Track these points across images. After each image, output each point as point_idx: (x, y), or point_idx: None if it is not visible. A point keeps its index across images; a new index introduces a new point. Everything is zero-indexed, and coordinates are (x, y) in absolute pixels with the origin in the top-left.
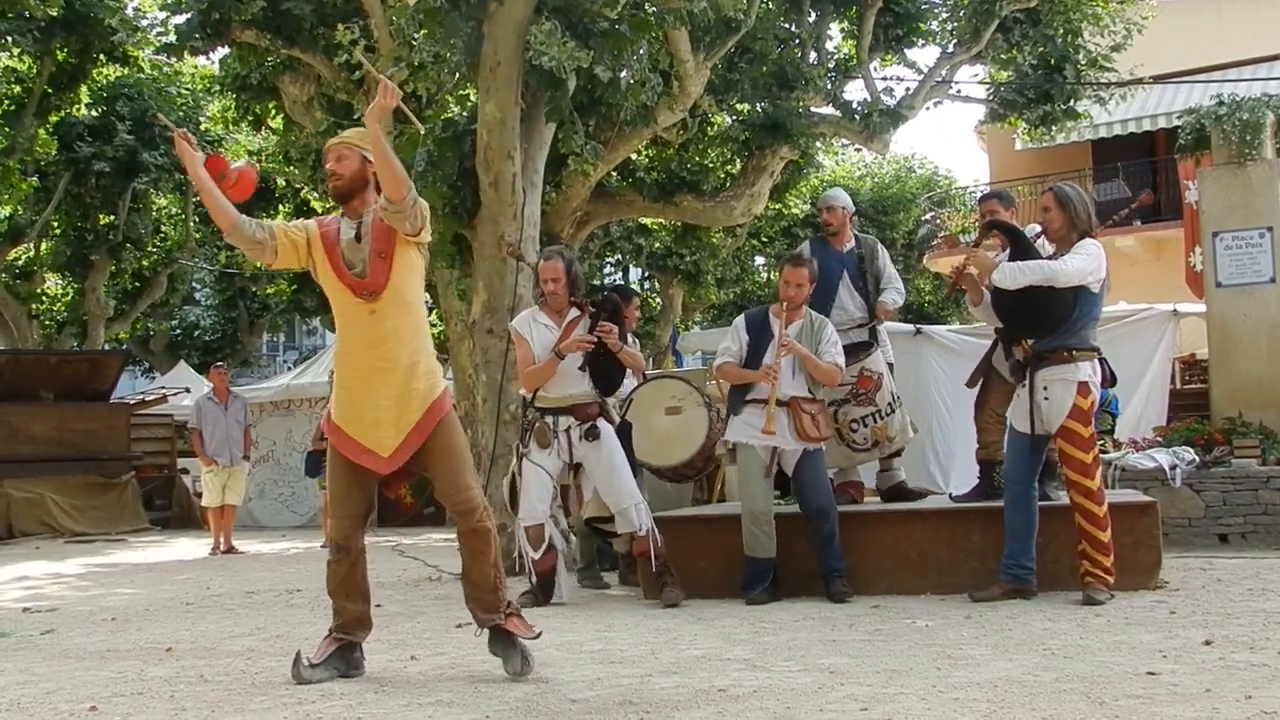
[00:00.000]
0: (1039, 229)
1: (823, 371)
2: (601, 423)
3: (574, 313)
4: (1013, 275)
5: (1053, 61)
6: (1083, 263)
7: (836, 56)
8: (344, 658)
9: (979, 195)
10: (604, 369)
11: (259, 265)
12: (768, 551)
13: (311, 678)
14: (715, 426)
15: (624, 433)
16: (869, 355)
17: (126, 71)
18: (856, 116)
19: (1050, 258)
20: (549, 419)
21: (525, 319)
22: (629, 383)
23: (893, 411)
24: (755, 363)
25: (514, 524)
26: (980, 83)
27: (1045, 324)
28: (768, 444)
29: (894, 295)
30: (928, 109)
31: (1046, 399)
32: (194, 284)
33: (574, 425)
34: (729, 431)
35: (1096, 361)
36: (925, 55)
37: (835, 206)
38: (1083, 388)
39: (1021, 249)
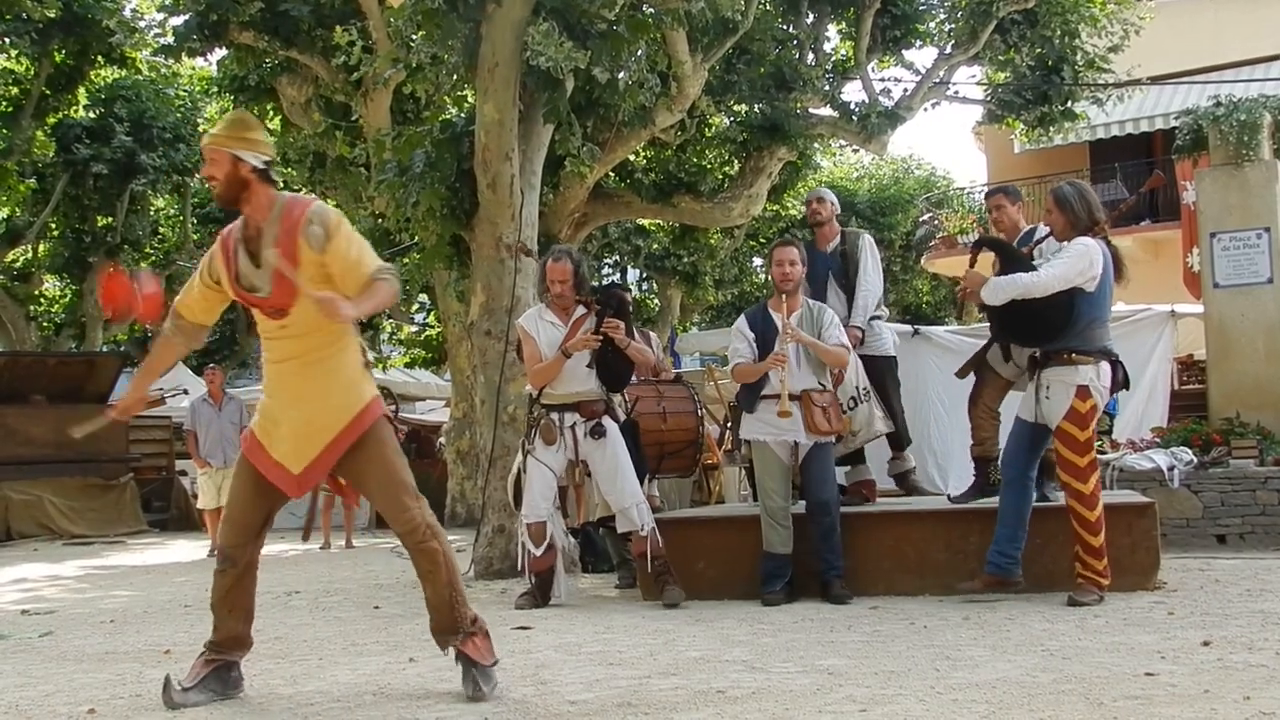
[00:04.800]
0: (1047, 230)
1: (829, 354)
2: (607, 420)
3: (580, 310)
4: (994, 292)
5: (1050, 63)
6: (1062, 268)
7: (834, 58)
8: (220, 678)
9: (985, 192)
10: (611, 366)
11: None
12: (785, 548)
13: (185, 701)
14: (643, 433)
15: (630, 431)
16: None
17: (124, 73)
18: (854, 117)
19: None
20: (555, 416)
21: (532, 316)
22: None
23: (855, 405)
24: (766, 358)
25: (515, 523)
26: (978, 84)
27: (1041, 332)
28: (783, 439)
29: (858, 315)
30: (925, 110)
31: (1048, 398)
32: None
33: (579, 422)
34: (743, 429)
35: (1105, 365)
36: (923, 56)
37: (825, 198)
38: (1082, 391)
39: (1009, 261)
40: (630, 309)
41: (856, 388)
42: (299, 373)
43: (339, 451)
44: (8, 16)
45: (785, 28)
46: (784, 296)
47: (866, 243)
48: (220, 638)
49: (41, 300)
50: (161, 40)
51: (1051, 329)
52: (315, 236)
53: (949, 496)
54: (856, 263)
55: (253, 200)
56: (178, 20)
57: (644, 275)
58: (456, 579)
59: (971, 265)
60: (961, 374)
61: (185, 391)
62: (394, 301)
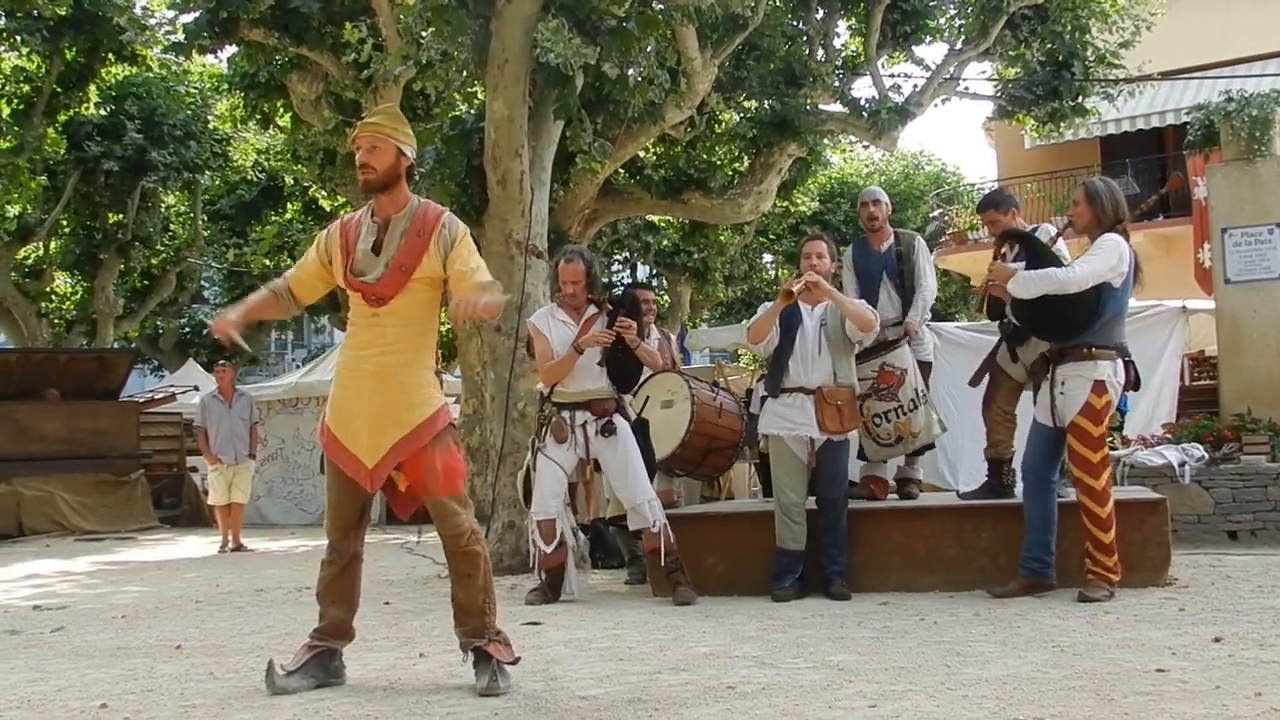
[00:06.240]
0: (1054, 230)
1: (852, 310)
2: (618, 419)
3: (592, 309)
4: (1025, 286)
5: (1061, 58)
6: (1095, 264)
7: (844, 54)
8: (322, 665)
9: (976, 206)
10: (621, 365)
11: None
12: (798, 544)
13: (287, 686)
14: (700, 421)
15: (640, 429)
16: (892, 351)
17: (135, 70)
18: (864, 114)
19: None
20: (566, 414)
21: (544, 315)
22: None
23: (916, 408)
24: (787, 346)
25: (525, 520)
26: (988, 79)
27: (1069, 326)
28: (799, 434)
29: (917, 312)
30: (935, 106)
31: (1063, 394)
32: (203, 282)
33: (590, 420)
34: (761, 423)
35: (1120, 362)
36: (933, 52)
37: (881, 199)
38: (1099, 386)
39: (1037, 255)
40: (649, 309)
41: (916, 390)
42: (376, 360)
43: (404, 453)
44: (19, 14)
45: (795, 24)
46: (805, 276)
47: (921, 245)
48: (323, 625)
49: (53, 297)
50: (172, 37)
51: (1075, 324)
52: (444, 241)
53: (958, 493)
54: (912, 264)
55: (393, 193)
56: (188, 17)
57: (654, 271)
58: (491, 585)
59: (996, 258)
60: (974, 382)
61: (196, 388)
62: (499, 314)
